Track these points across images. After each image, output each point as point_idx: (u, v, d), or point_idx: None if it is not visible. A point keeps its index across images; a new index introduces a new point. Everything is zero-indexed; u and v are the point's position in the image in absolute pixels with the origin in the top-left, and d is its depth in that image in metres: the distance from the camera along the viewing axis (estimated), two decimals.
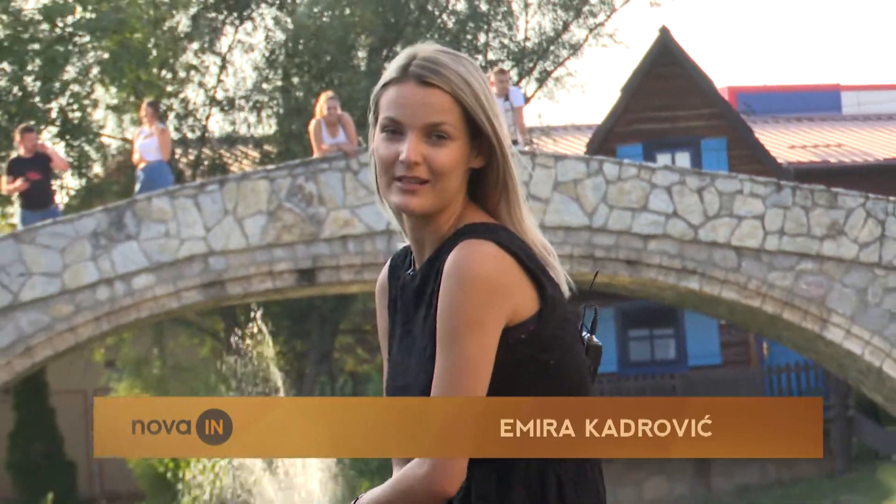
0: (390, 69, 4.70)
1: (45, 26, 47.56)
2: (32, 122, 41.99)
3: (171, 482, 46.73)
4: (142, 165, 34.06)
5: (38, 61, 47.11)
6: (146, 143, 34.13)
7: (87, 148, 48.00)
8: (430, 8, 50.82)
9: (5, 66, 46.93)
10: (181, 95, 51.45)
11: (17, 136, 35.02)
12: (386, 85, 4.68)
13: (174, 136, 46.98)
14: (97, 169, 48.55)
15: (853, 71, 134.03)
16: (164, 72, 49.74)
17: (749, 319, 36.03)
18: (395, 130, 4.60)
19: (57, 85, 47.76)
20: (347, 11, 49.96)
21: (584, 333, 4.82)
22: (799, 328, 33.94)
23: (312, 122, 34.94)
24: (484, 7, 51.69)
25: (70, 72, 48.01)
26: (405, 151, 4.55)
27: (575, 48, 53.88)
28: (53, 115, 47.47)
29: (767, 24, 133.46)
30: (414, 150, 4.54)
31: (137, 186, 34.17)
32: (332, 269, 33.50)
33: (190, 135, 50.95)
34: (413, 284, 4.74)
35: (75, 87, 48.40)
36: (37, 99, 47.21)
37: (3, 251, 32.53)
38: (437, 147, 4.56)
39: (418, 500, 4.47)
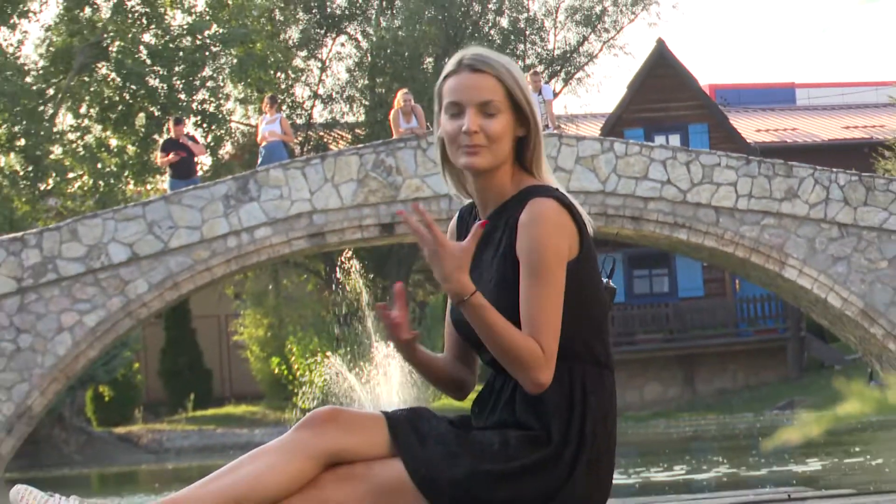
0: (448, 65, 4.69)
1: (188, 39, 47.53)
2: (181, 114, 42.11)
3: (284, 384, 46.75)
4: (263, 144, 34.12)
5: (182, 65, 47.07)
6: (268, 128, 34.20)
7: (219, 133, 47.94)
8: (480, 24, 50.57)
9: (158, 68, 46.91)
10: (292, 92, 51.44)
11: (171, 125, 35.19)
12: (446, 77, 4.64)
13: (293, 124, 47.01)
14: (228, 148, 48.42)
15: (806, 71, 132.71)
16: (279, 73, 49.69)
17: (725, 262, 36.13)
18: (456, 111, 4.57)
19: (197, 83, 47.73)
20: (418, 28, 49.84)
21: (603, 278, 4.69)
22: (763, 268, 34.00)
23: (392, 112, 34.93)
24: (522, 24, 51.37)
25: (207, 73, 47.96)
26: (466, 124, 4.53)
27: (591, 56, 53.70)
28: (194, 107, 47.43)
29: (740, 35, 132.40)
30: (473, 122, 4.52)
31: (259, 160, 34.21)
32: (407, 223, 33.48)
33: (299, 121, 51.10)
34: (486, 229, 4.56)
35: (211, 85, 48.36)
36: (182, 95, 47.18)
37: (157, 210, 32.73)
38: (489, 119, 4.54)
39: (524, 361, 4.35)
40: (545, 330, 4.40)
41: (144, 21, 47.81)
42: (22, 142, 45.91)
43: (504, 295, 4.48)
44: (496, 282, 4.52)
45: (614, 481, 4.65)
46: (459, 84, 4.59)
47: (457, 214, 4.85)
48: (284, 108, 50.08)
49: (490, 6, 51.30)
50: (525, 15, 51.81)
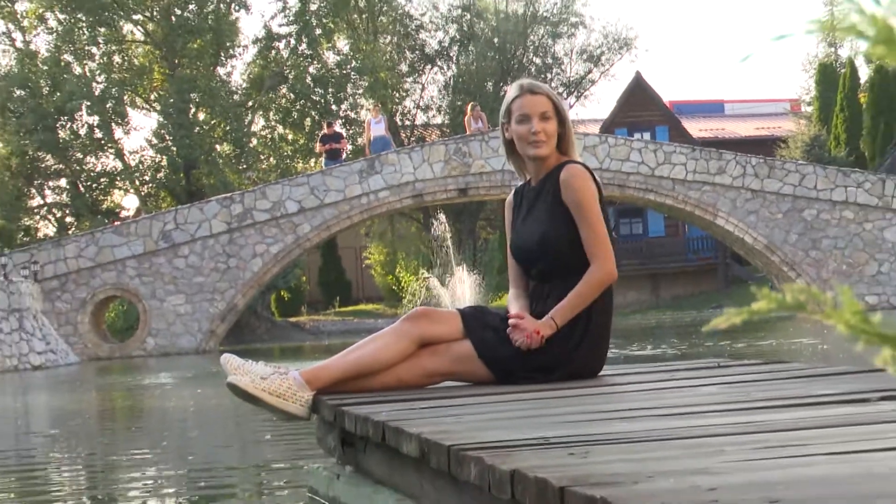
0: (513, 90, 4.63)
1: (337, 70, 47.68)
2: (332, 119, 42.20)
3: (395, 291, 46.89)
4: (371, 136, 34.19)
5: (333, 87, 47.16)
6: (376, 126, 34.24)
7: (357, 131, 48.03)
8: (523, 62, 50.43)
9: (318, 89, 47.03)
10: (403, 104, 51.41)
11: (326, 126, 35.31)
12: (514, 100, 4.55)
13: (400, 124, 47.01)
14: (361, 140, 48.51)
15: (731, 90, 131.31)
16: (394, 92, 49.68)
17: (678, 214, 35.80)
18: (524, 119, 4.50)
19: (342, 98, 47.79)
20: (483, 63, 49.73)
21: None
22: (702, 219, 33.82)
23: (465, 117, 34.93)
24: (550, 61, 51.26)
25: (349, 92, 48.03)
26: (533, 126, 4.47)
27: (593, 82, 53.37)
28: (341, 114, 47.50)
29: (689, 65, 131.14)
30: (537, 125, 4.47)
31: (369, 149, 34.38)
32: (475, 188, 33.46)
33: (406, 123, 50.99)
34: (533, 190, 4.60)
35: (351, 100, 48.46)
36: (333, 106, 47.28)
37: (316, 179, 32.86)
38: (545, 123, 4.49)
39: (604, 281, 4.39)
40: (601, 244, 4.42)
41: (309, 59, 47.92)
42: (231, 137, 46.20)
43: (555, 225, 4.47)
44: (548, 219, 4.49)
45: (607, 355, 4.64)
46: (526, 102, 4.52)
47: (512, 191, 4.75)
48: (397, 114, 50.42)
49: (529, 50, 51.29)
50: (551, 55, 51.88)
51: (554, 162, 4.57)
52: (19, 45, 47.16)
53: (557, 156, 4.58)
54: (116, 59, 47.34)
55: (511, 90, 4.64)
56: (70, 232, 43.29)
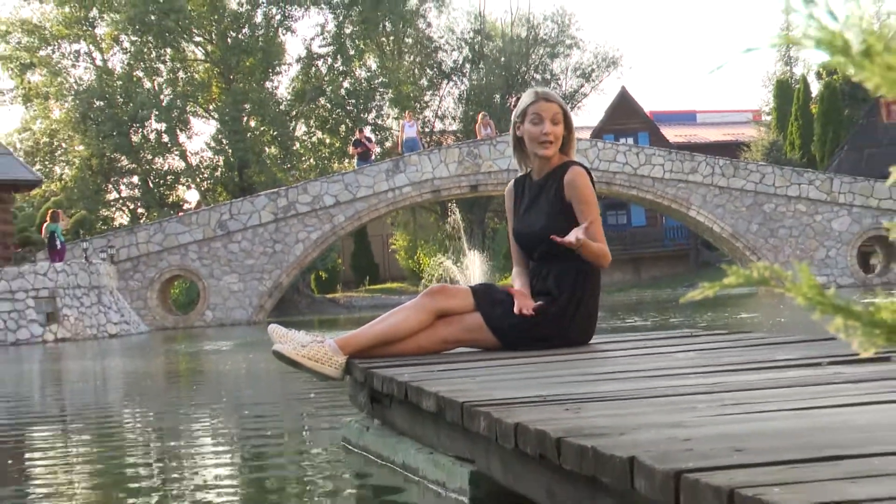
0: (530, 96, 4.52)
1: (366, 84, 47.61)
2: (363, 125, 42.24)
3: (416, 272, 46.87)
4: (404, 138, 34.09)
5: (363, 99, 47.12)
6: (408, 130, 34.13)
7: (383, 136, 47.97)
8: (525, 78, 50.26)
9: (351, 100, 46.95)
10: (424, 113, 51.27)
11: (357, 132, 35.29)
12: (530, 104, 4.44)
13: (420, 131, 47.18)
14: (388, 144, 48.47)
15: (703, 101, 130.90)
16: (416, 103, 49.58)
17: (657, 207, 35.69)
18: (538, 121, 4.41)
19: (371, 108, 47.74)
20: (491, 79, 49.56)
21: None
22: (677, 211, 33.69)
23: (476, 125, 34.95)
24: (548, 76, 51.03)
25: (377, 102, 48.00)
26: (545, 128, 4.39)
27: (585, 95, 53.24)
28: (370, 121, 47.41)
29: (667, 79, 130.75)
30: (549, 127, 4.38)
31: (402, 148, 34.21)
32: (484, 185, 33.37)
33: (427, 129, 50.90)
34: (536, 185, 4.51)
35: (378, 110, 48.42)
36: (363, 114, 47.23)
37: (349, 177, 32.85)
38: (555, 126, 4.40)
39: (607, 257, 4.31)
40: (601, 234, 4.36)
41: (343, 75, 47.86)
42: (277, 141, 46.19)
43: (556, 217, 4.41)
44: (550, 211, 4.43)
45: (596, 326, 4.61)
46: (540, 107, 4.44)
47: (512, 181, 4.68)
48: (419, 122, 50.39)
49: (531, 68, 51.09)
50: (550, 72, 51.64)
51: (556, 161, 4.51)
52: (98, 63, 47.32)
53: (559, 156, 4.53)
54: (180, 74, 47.48)
55: (527, 95, 4.55)
56: (141, 221, 43.52)
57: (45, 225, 28.24)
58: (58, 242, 27.30)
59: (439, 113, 52.56)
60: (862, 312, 1.11)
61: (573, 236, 4.23)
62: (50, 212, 29.10)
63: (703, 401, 2.53)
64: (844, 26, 0.95)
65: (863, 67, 0.98)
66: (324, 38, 47.84)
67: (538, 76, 51.26)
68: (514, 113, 4.59)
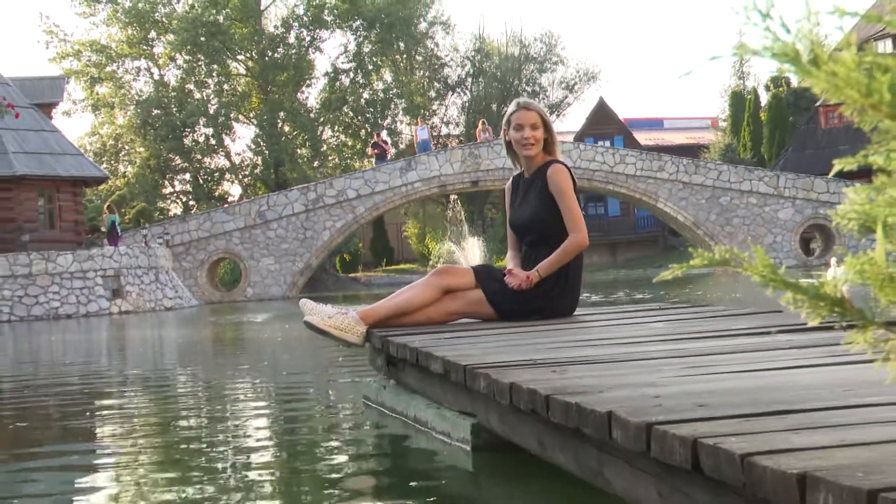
0: (512, 106, 4.45)
1: (382, 94, 47.40)
2: (379, 129, 42.10)
3: (425, 254, 46.82)
4: (418, 140, 33.99)
5: (379, 107, 46.92)
6: (421, 132, 34.06)
7: (397, 139, 47.78)
8: (518, 89, 50.00)
9: (370, 108, 46.78)
10: (432, 121, 50.98)
11: (375, 136, 35.12)
12: (512, 113, 4.39)
13: (431, 134, 46.95)
14: (402, 146, 48.31)
15: (669, 109, 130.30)
16: (424, 111, 49.32)
17: (630, 199, 35.55)
18: (519, 127, 4.37)
19: (387, 115, 47.56)
20: (488, 91, 49.37)
21: None
22: (647, 203, 33.55)
23: (476, 130, 34.76)
24: (537, 89, 50.77)
25: (391, 110, 47.77)
26: (525, 133, 4.34)
27: (569, 104, 52.89)
28: (385, 126, 47.27)
29: (639, 88, 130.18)
30: (529, 132, 4.33)
31: (417, 148, 34.15)
32: (483, 181, 33.29)
33: (434, 133, 50.70)
34: (527, 181, 4.44)
35: (392, 117, 48.23)
36: (379, 120, 47.05)
37: (368, 174, 32.76)
38: (535, 131, 4.33)
39: (579, 246, 4.26)
40: (577, 220, 4.32)
41: (363, 87, 47.72)
42: (308, 143, 46.09)
43: (542, 208, 4.36)
44: (537, 203, 4.38)
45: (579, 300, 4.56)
46: (520, 115, 4.39)
47: (510, 179, 4.61)
48: (427, 127, 50.14)
49: (522, 81, 50.91)
50: (538, 85, 51.43)
51: (541, 160, 4.46)
52: (156, 77, 47.36)
53: (544, 155, 4.47)
54: (225, 87, 47.48)
55: (511, 106, 4.51)
56: (192, 212, 43.50)
57: (105, 216, 28.63)
58: (118, 230, 27.79)
59: (445, 119, 52.42)
60: (808, 288, 1.10)
61: (524, 282, 4.25)
62: (107, 205, 29.70)
63: (671, 363, 2.53)
64: (796, 38, 0.95)
65: (811, 74, 0.97)
66: (346, 56, 47.71)
67: (529, 88, 51.00)
68: (503, 122, 4.57)
